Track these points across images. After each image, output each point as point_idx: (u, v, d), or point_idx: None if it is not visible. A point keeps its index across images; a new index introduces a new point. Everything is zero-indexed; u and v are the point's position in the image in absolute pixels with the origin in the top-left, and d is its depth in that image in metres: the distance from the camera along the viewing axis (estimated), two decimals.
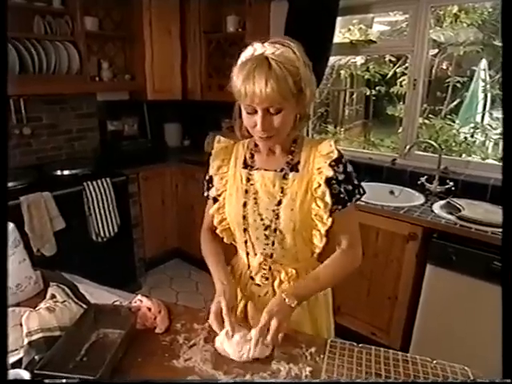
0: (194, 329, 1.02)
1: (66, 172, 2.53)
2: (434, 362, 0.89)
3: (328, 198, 0.95)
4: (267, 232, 1.03)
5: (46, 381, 0.78)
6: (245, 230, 1.06)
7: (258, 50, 0.90)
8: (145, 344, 0.96)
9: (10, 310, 1.05)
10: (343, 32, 3.21)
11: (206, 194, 1.14)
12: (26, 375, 0.77)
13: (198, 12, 3.00)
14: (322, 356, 0.91)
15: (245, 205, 1.03)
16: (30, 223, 2.14)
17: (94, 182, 2.44)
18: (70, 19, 2.53)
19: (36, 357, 0.86)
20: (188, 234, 3.12)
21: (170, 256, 3.32)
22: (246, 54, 0.92)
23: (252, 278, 1.11)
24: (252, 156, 1.07)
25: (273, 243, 1.04)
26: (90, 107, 3.00)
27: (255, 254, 1.08)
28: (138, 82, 3.02)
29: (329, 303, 1.17)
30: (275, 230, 1.02)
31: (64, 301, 1.03)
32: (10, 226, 1.14)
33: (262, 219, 1.02)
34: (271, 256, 1.06)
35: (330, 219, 0.97)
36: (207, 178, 1.12)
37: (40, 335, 0.89)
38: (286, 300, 0.93)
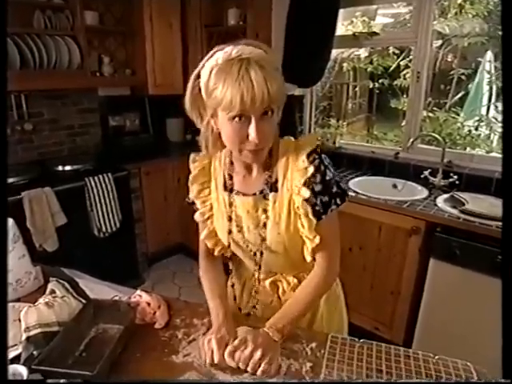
0: (193, 324, 1.02)
1: (67, 167, 2.53)
2: (436, 357, 0.88)
3: (311, 216, 0.89)
4: (254, 255, 1.01)
5: (49, 381, 0.78)
6: (233, 253, 1.06)
7: (232, 54, 0.78)
8: (144, 339, 0.95)
9: (9, 305, 1.05)
10: (346, 24, 3.18)
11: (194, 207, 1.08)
12: (23, 370, 0.76)
13: (199, 5, 2.97)
14: (322, 351, 0.90)
15: (230, 232, 1.01)
16: (31, 219, 2.14)
17: (96, 178, 2.44)
18: (71, 14, 2.51)
19: (34, 352, 0.86)
20: (191, 229, 3.08)
21: (173, 251, 3.32)
22: (218, 60, 0.79)
23: (254, 285, 1.10)
24: (230, 177, 0.99)
25: (260, 262, 1.02)
26: (91, 102, 2.99)
27: (248, 269, 1.09)
28: (139, 76, 3.00)
29: (340, 303, 1.17)
30: (262, 253, 1.00)
31: (63, 296, 1.03)
32: (10, 221, 1.14)
33: (247, 245, 1.01)
34: (260, 268, 1.04)
35: (318, 237, 0.91)
36: (190, 201, 1.07)
37: (38, 330, 0.89)
38: (271, 334, 0.89)
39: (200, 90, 0.86)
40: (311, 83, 2.66)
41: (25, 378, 0.75)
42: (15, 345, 0.92)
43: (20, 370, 0.76)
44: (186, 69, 3.15)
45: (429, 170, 2.27)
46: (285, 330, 0.92)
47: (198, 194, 1.03)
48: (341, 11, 2.45)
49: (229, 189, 0.99)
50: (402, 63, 3.31)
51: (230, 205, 0.99)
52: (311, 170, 0.88)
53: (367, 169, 2.55)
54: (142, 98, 3.24)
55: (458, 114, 3.11)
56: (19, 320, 0.94)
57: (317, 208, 0.90)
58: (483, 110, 3.04)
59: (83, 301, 1.04)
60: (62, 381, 0.76)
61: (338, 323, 1.16)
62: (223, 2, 3.03)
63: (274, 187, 0.94)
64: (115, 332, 0.97)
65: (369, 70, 3.51)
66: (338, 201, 0.92)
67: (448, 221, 1.80)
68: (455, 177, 2.16)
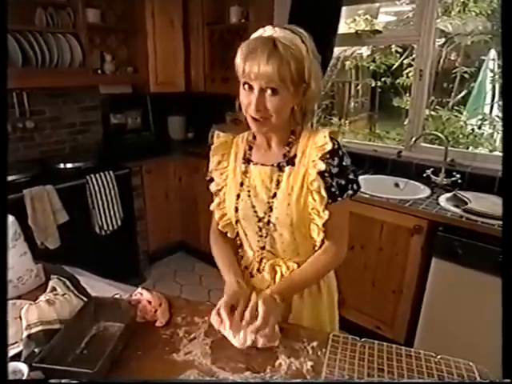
0: (194, 322, 1.01)
1: (69, 165, 2.53)
2: (438, 357, 0.87)
3: (323, 192, 0.93)
4: (260, 224, 1.02)
5: (51, 381, 0.78)
6: (237, 221, 1.06)
7: (267, 32, 0.89)
8: (145, 337, 0.95)
9: (10, 302, 1.06)
10: (348, 22, 3.16)
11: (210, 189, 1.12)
12: (24, 368, 0.76)
13: (201, 3, 2.96)
14: (323, 350, 0.90)
15: (238, 197, 1.03)
16: (33, 216, 2.14)
17: (98, 175, 2.44)
18: (72, 11, 2.51)
19: (35, 350, 0.86)
20: (192, 227, 3.12)
21: (174, 249, 3.33)
22: (254, 35, 0.91)
23: (251, 275, 1.10)
24: (250, 149, 1.05)
25: (266, 235, 1.03)
26: (93, 100, 2.99)
27: (251, 248, 1.09)
28: (141, 74, 3.00)
29: (333, 296, 1.15)
30: (268, 223, 1.01)
31: (64, 294, 1.02)
32: (11, 218, 1.13)
33: (255, 211, 1.01)
34: (264, 248, 1.05)
35: (327, 212, 0.94)
36: (208, 178, 1.11)
37: (39, 328, 0.89)
38: (276, 297, 0.93)
39: None
40: None
41: (25, 375, 0.75)
42: (16, 342, 0.91)
43: (20, 368, 0.76)
44: (188, 67, 3.15)
45: (431, 169, 2.26)
46: (286, 295, 0.97)
47: (217, 165, 1.08)
48: (343, 9, 2.43)
49: (247, 159, 1.04)
50: (404, 61, 3.29)
51: (245, 173, 1.03)
52: (329, 146, 0.93)
53: (369, 167, 2.54)
54: (144, 96, 3.24)
55: (461, 113, 3.09)
56: (20, 317, 0.93)
57: (333, 189, 0.95)
58: (486, 109, 3.03)
59: (84, 298, 1.03)
60: (63, 381, 0.76)
61: (333, 319, 1.16)
62: None
63: (291, 162, 0.98)
64: (116, 330, 0.97)
65: (371, 68, 3.50)
66: (355, 187, 0.97)
67: (450, 220, 1.79)
68: (458, 176, 2.15)
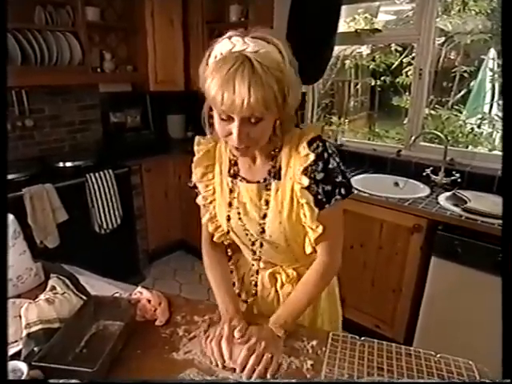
0: (194, 321, 1.01)
1: (68, 164, 2.52)
2: (438, 355, 0.88)
3: (313, 204, 0.88)
4: (254, 247, 1.01)
5: (51, 381, 0.78)
6: (229, 231, 1.04)
7: (237, 47, 0.76)
8: (144, 336, 0.95)
9: (10, 301, 1.05)
10: (348, 21, 3.15)
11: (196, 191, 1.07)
12: (23, 367, 0.76)
13: (201, 2, 2.96)
14: (323, 349, 0.90)
15: (228, 219, 1.00)
16: (32, 215, 2.14)
17: (97, 174, 2.44)
18: (72, 9, 2.50)
19: (35, 348, 0.86)
20: (192, 226, 3.11)
21: (174, 248, 3.33)
22: (221, 49, 0.78)
23: (252, 277, 1.10)
24: (235, 163, 0.98)
25: (262, 250, 1.01)
26: (92, 99, 2.99)
27: (249, 257, 1.08)
28: (141, 73, 3.00)
29: (334, 296, 1.15)
30: (261, 245, 0.99)
31: (64, 292, 1.02)
32: (10, 217, 1.13)
33: (247, 233, 1.00)
34: (260, 259, 1.04)
35: (321, 227, 0.90)
36: (192, 184, 1.06)
37: (39, 327, 0.89)
38: (274, 330, 0.90)
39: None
40: (313, 80, 2.65)
41: (25, 374, 0.75)
42: (16, 341, 0.91)
43: (20, 366, 0.76)
44: (188, 65, 3.15)
45: (431, 168, 2.26)
46: (287, 325, 0.92)
47: (201, 178, 1.02)
48: (343, 8, 2.43)
49: (233, 174, 0.98)
50: (404, 60, 3.28)
51: (232, 191, 0.98)
52: (312, 157, 0.86)
53: (369, 166, 2.54)
54: (143, 95, 3.24)
55: (461, 112, 3.09)
56: (20, 316, 0.93)
57: (319, 197, 0.88)
58: (486, 108, 3.02)
59: (84, 297, 1.03)
60: (61, 381, 0.76)
61: (336, 318, 1.16)
62: None
63: (277, 175, 0.92)
64: (116, 329, 0.97)
65: (371, 67, 3.49)
66: (343, 191, 0.90)
67: (450, 219, 1.79)
68: (457, 175, 2.16)
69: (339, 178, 0.89)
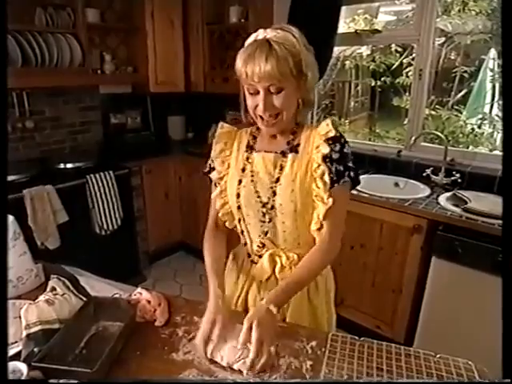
0: (193, 322, 1.01)
1: (69, 165, 2.53)
2: (437, 356, 0.88)
3: (327, 178, 0.95)
4: (264, 210, 1.03)
5: (51, 381, 0.78)
6: (238, 208, 1.06)
7: (260, 35, 0.93)
8: (144, 337, 0.95)
9: (10, 302, 1.06)
10: (348, 22, 3.16)
11: (209, 176, 1.13)
12: (23, 367, 0.76)
13: (201, 3, 2.96)
14: (323, 350, 0.90)
15: (240, 182, 1.04)
16: (33, 216, 2.15)
17: (97, 175, 2.44)
18: (72, 11, 2.51)
19: (35, 349, 0.86)
20: (192, 227, 3.12)
21: (174, 249, 3.33)
22: (249, 40, 0.95)
23: (252, 262, 1.10)
24: (254, 138, 1.08)
25: (269, 221, 1.03)
26: (92, 100, 2.99)
27: (251, 237, 1.08)
28: (141, 74, 3.00)
29: (330, 295, 1.15)
30: (272, 207, 1.01)
31: (64, 293, 1.02)
32: (10, 218, 1.14)
33: (258, 196, 1.02)
34: (266, 234, 1.06)
35: (331, 199, 0.95)
36: (206, 170, 1.13)
37: (39, 328, 0.89)
38: (267, 307, 0.89)
39: None
40: None
41: (25, 374, 0.75)
42: (16, 342, 0.92)
43: (20, 367, 0.76)
44: (188, 66, 3.15)
45: (431, 169, 2.26)
46: (283, 302, 0.95)
47: (219, 154, 1.09)
48: (343, 9, 2.43)
49: (251, 147, 1.07)
50: (404, 61, 3.29)
51: (248, 159, 1.05)
52: (332, 133, 0.96)
53: (369, 167, 2.54)
54: (144, 96, 3.24)
55: (461, 112, 3.09)
56: (20, 317, 0.93)
57: (331, 175, 0.95)
58: (486, 108, 3.02)
59: (84, 298, 1.04)
60: (61, 381, 0.76)
61: (330, 318, 1.16)
62: None
63: (294, 149, 1.01)
64: (115, 329, 0.97)
65: (371, 67, 3.50)
66: (352, 174, 0.97)
67: (450, 219, 1.79)
68: (458, 175, 2.15)
69: (350, 163, 0.98)
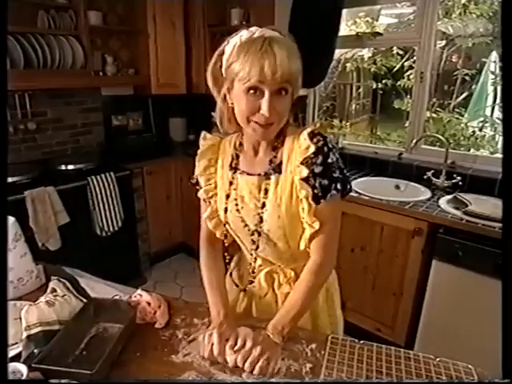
0: (193, 324, 1.01)
1: (70, 166, 2.53)
2: (437, 359, 0.87)
3: (311, 199, 0.88)
4: (253, 237, 0.99)
5: (52, 381, 0.78)
6: (231, 230, 1.04)
7: (256, 34, 0.82)
8: (144, 339, 0.95)
9: (10, 303, 1.06)
10: (349, 25, 3.17)
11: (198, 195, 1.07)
12: (23, 369, 0.76)
13: (202, 5, 2.97)
14: (322, 352, 0.90)
15: (226, 210, 1.00)
16: (34, 218, 2.15)
17: (99, 177, 2.44)
18: (74, 13, 2.51)
19: (35, 350, 0.86)
20: (193, 229, 3.09)
21: (175, 250, 3.33)
22: (240, 37, 0.83)
23: (252, 273, 1.09)
24: (237, 157, 1.00)
25: (257, 247, 1.01)
26: (94, 102, 3.00)
27: (249, 253, 1.07)
28: (143, 76, 3.01)
29: (332, 299, 1.14)
30: (260, 234, 0.98)
31: (64, 295, 1.03)
32: (11, 219, 1.14)
33: (246, 225, 0.99)
34: (255, 260, 1.04)
35: (317, 223, 0.90)
36: (194, 181, 1.07)
37: (39, 329, 0.89)
38: (271, 337, 0.89)
39: (221, 65, 0.88)
40: (314, 83, 2.65)
41: (24, 376, 0.75)
42: (16, 343, 0.92)
43: (20, 368, 0.76)
44: (189, 68, 3.16)
45: (432, 171, 2.26)
46: (285, 331, 0.91)
47: (203, 171, 1.03)
48: (344, 11, 2.44)
49: (234, 168, 0.99)
50: (405, 64, 3.29)
51: (231, 184, 0.99)
52: (312, 149, 0.87)
53: (370, 169, 2.54)
54: (145, 98, 3.25)
55: (462, 115, 3.09)
56: (20, 318, 0.94)
57: (315, 191, 0.88)
58: (488, 111, 3.03)
59: (84, 300, 1.04)
60: (63, 381, 0.76)
61: (334, 321, 1.15)
62: (226, 1, 3.03)
63: (278, 169, 0.93)
64: (115, 331, 0.97)
65: (372, 70, 3.50)
66: (339, 186, 0.89)
67: (451, 222, 1.79)
68: (458, 178, 2.15)
69: (336, 174, 0.89)
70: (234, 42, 0.84)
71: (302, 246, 0.96)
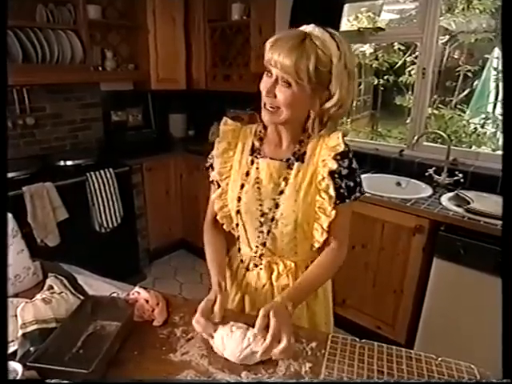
0: (192, 322, 1.00)
1: (69, 162, 2.52)
2: (439, 359, 0.86)
3: (332, 191, 0.93)
4: (262, 219, 1.00)
5: (54, 381, 0.77)
6: (238, 211, 1.03)
7: (308, 28, 0.89)
8: (142, 337, 0.94)
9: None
10: (351, 20, 3.14)
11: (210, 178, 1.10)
12: (18, 367, 0.75)
13: (203, 0, 2.94)
14: (322, 351, 0.88)
15: (242, 187, 1.01)
16: (32, 213, 2.14)
17: (98, 173, 2.43)
18: (73, 7, 2.50)
19: (31, 349, 0.85)
20: (193, 225, 3.11)
21: (175, 247, 3.32)
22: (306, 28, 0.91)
23: (247, 269, 1.09)
24: (261, 140, 1.03)
25: (268, 232, 1.01)
26: (93, 97, 2.98)
27: (249, 242, 1.06)
28: (142, 71, 2.99)
29: (328, 298, 1.14)
30: (272, 219, 0.99)
31: (61, 292, 1.01)
32: (8, 215, 1.12)
33: (260, 205, 1.00)
34: (264, 245, 1.04)
35: (334, 212, 0.94)
36: (208, 164, 1.09)
37: (35, 327, 0.88)
38: (289, 308, 0.89)
39: None
40: None
41: (20, 374, 0.74)
42: (12, 341, 0.90)
43: (15, 367, 0.75)
44: (189, 64, 3.14)
45: (433, 168, 2.24)
46: (297, 301, 0.93)
47: (222, 153, 1.04)
48: (346, 6, 2.42)
49: (256, 152, 1.02)
50: (407, 59, 3.26)
51: (252, 162, 1.01)
52: (341, 148, 0.92)
53: (371, 166, 2.52)
54: (145, 93, 3.23)
55: (464, 112, 3.07)
56: (16, 316, 0.92)
57: (342, 191, 0.94)
58: (490, 108, 3.00)
59: (81, 297, 1.03)
60: (53, 381, 0.75)
61: (328, 320, 1.15)
62: None
63: (300, 158, 0.97)
64: (113, 329, 0.96)
65: (374, 65, 3.47)
66: (362, 190, 0.99)
67: (452, 219, 1.77)
68: (460, 175, 2.14)
69: (359, 179, 0.98)
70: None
71: (319, 237, 0.99)
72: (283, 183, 0.97)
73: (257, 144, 1.03)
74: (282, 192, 0.97)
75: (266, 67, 0.90)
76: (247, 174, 1.01)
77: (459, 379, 0.81)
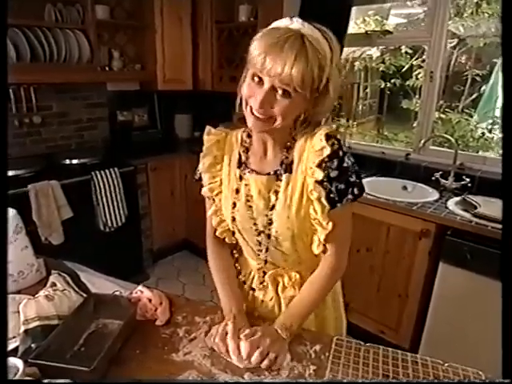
0: (195, 322, 0.99)
1: (74, 161, 2.52)
2: (446, 364, 0.84)
3: (324, 201, 0.85)
4: (260, 238, 0.97)
5: (45, 381, 0.76)
6: (234, 233, 1.01)
7: (294, 25, 0.78)
8: (144, 336, 0.93)
9: (10, 296, 1.04)
10: (358, 23, 3.13)
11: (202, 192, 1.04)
12: (19, 364, 0.74)
13: (210, 1, 2.95)
14: (327, 354, 0.87)
15: (234, 205, 0.96)
16: (37, 211, 2.14)
17: (103, 172, 2.43)
18: (81, 7, 2.51)
19: (32, 345, 0.84)
20: (196, 226, 3.10)
21: (178, 247, 3.31)
22: (279, 23, 0.80)
23: (252, 289, 1.07)
24: (246, 151, 0.96)
25: (266, 249, 0.98)
26: (100, 97, 2.99)
27: (253, 256, 1.04)
28: (149, 71, 3.00)
29: (338, 300, 1.12)
30: (269, 236, 0.95)
31: (64, 289, 1.01)
32: (12, 212, 1.12)
33: (255, 223, 0.95)
34: (265, 262, 1.01)
35: (331, 224, 0.87)
36: (197, 177, 1.03)
37: (37, 323, 0.87)
38: (279, 332, 0.88)
39: None
40: None
41: (20, 371, 0.73)
42: (14, 337, 0.90)
43: (15, 363, 0.74)
44: (196, 65, 3.14)
45: (440, 172, 2.22)
46: (292, 328, 0.90)
47: (209, 168, 0.98)
48: (353, 9, 2.41)
49: (243, 165, 0.96)
50: (414, 63, 3.25)
51: (241, 178, 0.95)
52: (327, 151, 0.83)
53: (377, 170, 2.50)
54: (151, 94, 3.24)
55: (471, 116, 3.05)
56: (18, 312, 0.92)
57: (331, 195, 0.86)
58: (497, 113, 2.98)
59: (84, 295, 1.02)
60: (65, 381, 0.74)
61: (340, 325, 1.13)
62: None
63: (288, 168, 0.90)
64: (115, 327, 0.95)
65: (380, 69, 3.47)
66: (356, 191, 0.87)
67: (459, 224, 1.75)
68: (467, 179, 2.11)
69: (353, 178, 0.87)
70: (272, 26, 0.81)
71: (316, 250, 0.94)
72: (273, 197, 0.91)
73: (243, 157, 0.96)
74: (273, 207, 0.91)
75: (254, 73, 0.79)
76: (237, 191, 0.95)
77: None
